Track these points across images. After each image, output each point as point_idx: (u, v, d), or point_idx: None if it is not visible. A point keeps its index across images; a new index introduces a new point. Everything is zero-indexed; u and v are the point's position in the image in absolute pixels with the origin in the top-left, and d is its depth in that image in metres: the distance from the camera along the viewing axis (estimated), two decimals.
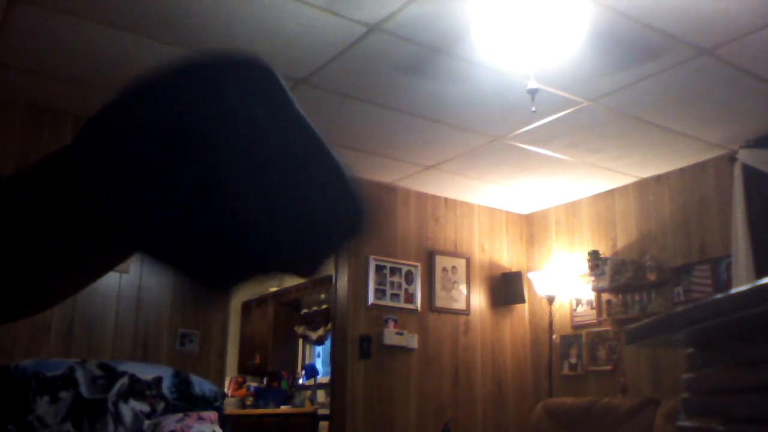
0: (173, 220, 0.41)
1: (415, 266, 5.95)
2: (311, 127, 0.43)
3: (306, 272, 0.45)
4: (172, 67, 0.41)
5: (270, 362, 8.59)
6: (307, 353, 8.78)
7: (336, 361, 5.63)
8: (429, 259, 6.06)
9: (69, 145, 0.43)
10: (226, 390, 7.84)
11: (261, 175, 0.41)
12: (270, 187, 0.41)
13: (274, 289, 8.99)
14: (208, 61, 0.42)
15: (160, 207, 0.41)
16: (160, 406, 3.82)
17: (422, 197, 6.17)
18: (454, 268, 6.16)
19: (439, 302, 6.02)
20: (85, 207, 0.42)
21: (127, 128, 0.41)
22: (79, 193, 0.42)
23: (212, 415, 3.81)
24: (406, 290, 5.87)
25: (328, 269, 6.58)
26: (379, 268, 5.76)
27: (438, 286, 6.04)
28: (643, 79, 4.07)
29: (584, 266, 5.93)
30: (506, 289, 6.38)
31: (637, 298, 5.54)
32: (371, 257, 5.73)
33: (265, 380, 8.76)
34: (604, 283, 5.72)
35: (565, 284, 6.03)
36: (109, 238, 0.44)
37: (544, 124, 4.73)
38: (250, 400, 8.25)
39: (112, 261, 0.49)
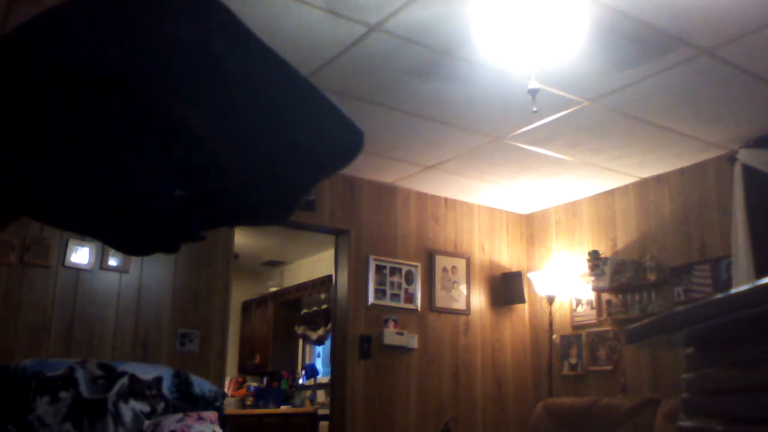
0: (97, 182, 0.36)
1: (415, 266, 5.95)
2: (281, 58, 0.39)
3: (284, 214, 0.42)
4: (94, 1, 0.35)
5: (270, 362, 8.59)
6: (307, 353, 8.78)
7: (336, 361, 5.63)
8: (429, 259, 6.06)
9: None
10: (226, 390, 7.84)
11: (228, 115, 0.36)
12: (238, 125, 0.36)
13: (274, 289, 8.99)
14: None
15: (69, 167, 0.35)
16: (160, 406, 3.82)
17: (422, 197, 6.17)
18: (454, 268, 6.16)
19: (439, 302, 6.02)
20: None
21: (30, 69, 0.35)
22: None
23: (212, 415, 3.81)
24: (406, 290, 5.87)
25: (329, 269, 6.58)
26: (379, 268, 5.76)
27: (438, 286, 6.04)
28: (643, 79, 4.07)
29: (584, 266, 5.93)
30: (506, 289, 6.37)
31: (637, 298, 5.54)
32: (371, 257, 5.73)
33: (265, 380, 8.77)
34: (604, 283, 5.72)
35: (565, 284, 6.03)
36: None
37: (544, 124, 4.73)
38: (250, 400, 8.26)
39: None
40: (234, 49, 0.36)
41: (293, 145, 0.37)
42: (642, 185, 5.77)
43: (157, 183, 0.35)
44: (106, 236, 0.39)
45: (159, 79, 0.34)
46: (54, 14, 0.34)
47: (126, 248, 0.40)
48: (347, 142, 0.41)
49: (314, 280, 8.28)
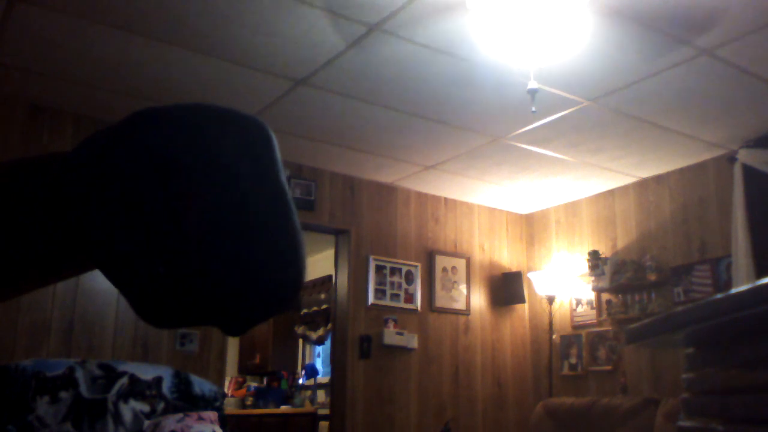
0: (135, 246, 0.43)
1: (415, 266, 5.95)
2: (287, 200, 0.45)
3: (234, 331, 0.46)
4: (184, 108, 0.45)
5: (270, 362, 8.59)
6: (307, 353, 8.78)
7: (336, 361, 5.63)
8: (429, 259, 6.05)
9: (65, 155, 0.45)
10: (226, 390, 7.84)
11: (226, 227, 0.43)
12: (229, 240, 0.43)
13: None
14: (218, 112, 0.45)
15: (125, 231, 0.43)
16: (160, 406, 3.82)
17: (422, 197, 6.17)
18: (454, 268, 6.16)
19: (439, 302, 6.02)
20: (62, 218, 0.45)
21: (124, 151, 0.44)
22: (61, 203, 0.44)
23: (212, 415, 3.81)
24: (406, 290, 5.87)
25: (329, 269, 6.58)
26: (379, 268, 5.76)
27: (438, 286, 6.04)
28: (643, 79, 4.07)
29: (584, 266, 5.93)
30: (506, 289, 6.37)
31: (637, 298, 5.54)
32: (371, 257, 5.73)
33: (265, 380, 8.76)
34: (604, 283, 5.72)
35: (565, 284, 6.03)
36: (75, 251, 0.46)
37: (544, 124, 4.73)
38: (250, 400, 8.25)
39: (67, 273, 0.51)
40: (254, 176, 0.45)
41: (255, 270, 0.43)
42: (642, 185, 5.77)
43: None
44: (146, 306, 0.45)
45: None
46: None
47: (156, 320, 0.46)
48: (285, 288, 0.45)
49: (314, 280, 8.28)
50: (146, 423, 3.70)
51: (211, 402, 3.99)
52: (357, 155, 5.34)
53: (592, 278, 5.85)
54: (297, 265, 0.43)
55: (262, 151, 0.44)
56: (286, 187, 0.44)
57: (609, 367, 5.70)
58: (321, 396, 7.64)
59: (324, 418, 6.52)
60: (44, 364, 3.68)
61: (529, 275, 6.28)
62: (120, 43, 3.76)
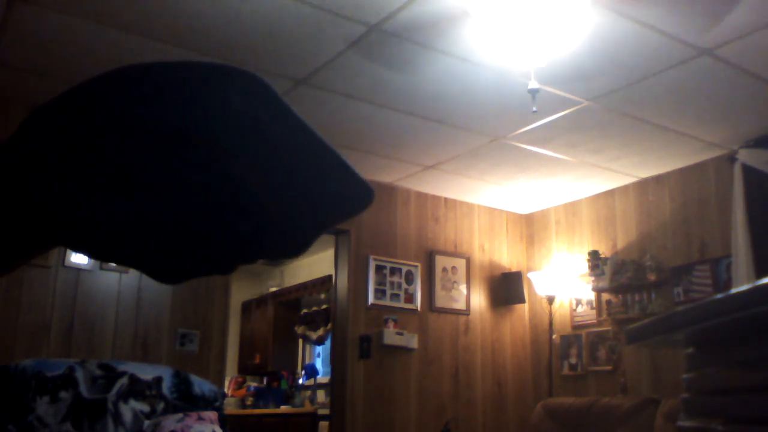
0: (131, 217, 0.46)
1: (415, 266, 5.95)
2: (311, 128, 0.50)
3: (295, 251, 0.54)
4: (171, 68, 0.45)
5: (270, 362, 8.59)
6: (307, 353, 8.78)
7: (336, 361, 5.63)
8: (429, 259, 6.05)
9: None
10: (226, 390, 7.84)
11: (269, 169, 0.47)
12: (276, 178, 0.48)
13: (274, 289, 8.99)
14: (209, 68, 0.47)
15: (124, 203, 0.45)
16: (160, 406, 3.82)
17: (422, 197, 6.17)
18: (454, 268, 6.16)
19: (439, 302, 6.02)
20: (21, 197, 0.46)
21: (96, 122, 0.45)
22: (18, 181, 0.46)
23: (212, 415, 3.81)
24: (406, 290, 5.87)
25: (329, 269, 6.58)
26: (379, 268, 5.76)
27: (438, 286, 6.03)
28: (643, 79, 4.07)
29: (584, 266, 5.93)
30: (506, 289, 6.38)
31: (637, 298, 5.54)
32: (371, 257, 5.73)
33: (265, 380, 8.77)
34: (604, 283, 5.72)
35: (565, 284, 6.03)
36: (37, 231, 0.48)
37: (544, 124, 4.73)
38: (250, 400, 8.26)
39: (29, 253, 0.53)
40: (275, 119, 0.48)
41: (315, 195, 0.51)
42: (642, 185, 5.77)
43: (214, 219, 0.48)
44: (148, 268, 0.51)
45: (216, 138, 0.46)
46: (131, 73, 0.47)
47: (168, 278, 0.53)
48: (359, 196, 0.55)
49: (314, 280, 8.28)
50: (146, 423, 3.70)
51: (211, 402, 3.99)
52: (357, 155, 5.34)
53: (592, 278, 5.85)
54: (356, 175, 0.52)
55: (271, 99, 0.47)
56: (307, 122, 0.48)
57: (609, 367, 5.70)
58: (321, 396, 7.64)
59: (324, 418, 6.52)
60: (44, 364, 3.68)
61: (529, 275, 6.28)
62: (120, 43, 3.76)
